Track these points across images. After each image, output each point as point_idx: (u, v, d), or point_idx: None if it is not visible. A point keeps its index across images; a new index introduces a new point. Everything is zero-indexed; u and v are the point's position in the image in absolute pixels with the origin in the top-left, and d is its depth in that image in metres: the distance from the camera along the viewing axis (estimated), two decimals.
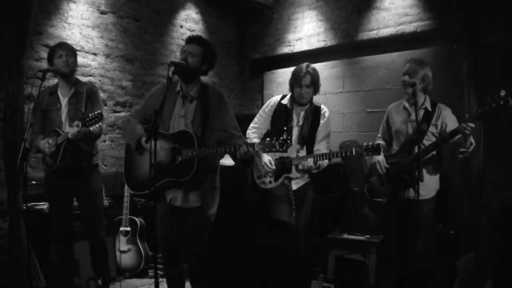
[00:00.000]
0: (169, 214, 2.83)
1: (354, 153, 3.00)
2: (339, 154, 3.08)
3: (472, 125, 2.79)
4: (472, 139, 2.88)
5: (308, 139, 3.33)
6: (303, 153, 3.29)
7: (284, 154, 3.28)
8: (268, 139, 2.55)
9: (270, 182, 3.34)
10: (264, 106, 3.53)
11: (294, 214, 3.25)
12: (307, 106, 3.37)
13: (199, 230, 2.77)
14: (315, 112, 3.38)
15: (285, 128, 3.11)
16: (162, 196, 2.82)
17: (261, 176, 3.38)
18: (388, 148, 3.37)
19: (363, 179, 4.33)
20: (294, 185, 3.32)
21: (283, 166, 3.29)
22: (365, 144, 2.99)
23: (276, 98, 3.51)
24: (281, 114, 3.38)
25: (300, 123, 3.33)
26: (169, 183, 2.72)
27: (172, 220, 2.83)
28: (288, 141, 2.50)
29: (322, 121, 3.38)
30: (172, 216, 2.83)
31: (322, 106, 3.44)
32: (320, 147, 3.34)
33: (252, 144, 2.58)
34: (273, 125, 3.40)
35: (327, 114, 3.41)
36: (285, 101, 3.43)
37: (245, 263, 1.00)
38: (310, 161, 3.16)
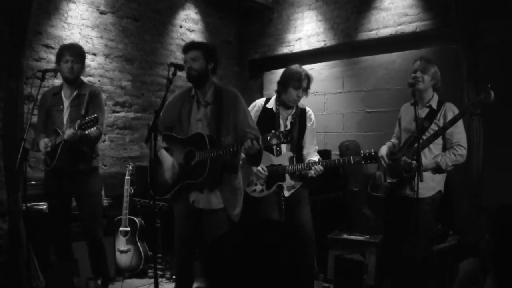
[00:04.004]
0: (189, 217, 2.83)
1: (352, 162, 3.12)
2: (337, 163, 3.18)
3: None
4: None
5: (297, 145, 3.31)
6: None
7: (276, 162, 3.27)
8: (273, 131, 2.54)
9: (262, 190, 3.26)
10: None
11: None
12: (294, 110, 3.33)
13: (222, 231, 2.77)
14: (301, 116, 3.34)
15: None
16: (184, 198, 2.82)
17: (251, 184, 3.29)
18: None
19: (363, 179, 4.33)
20: (287, 192, 3.29)
21: (275, 174, 3.23)
22: (362, 152, 3.09)
23: (260, 102, 3.41)
24: (267, 120, 3.28)
25: (288, 127, 3.26)
26: (187, 185, 2.75)
27: (191, 224, 2.83)
28: (292, 133, 2.50)
29: (308, 124, 3.36)
30: (192, 219, 2.82)
31: (307, 109, 3.40)
32: (310, 151, 3.34)
33: (257, 138, 2.57)
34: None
35: (313, 117, 3.40)
36: (270, 105, 3.35)
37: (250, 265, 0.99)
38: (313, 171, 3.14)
